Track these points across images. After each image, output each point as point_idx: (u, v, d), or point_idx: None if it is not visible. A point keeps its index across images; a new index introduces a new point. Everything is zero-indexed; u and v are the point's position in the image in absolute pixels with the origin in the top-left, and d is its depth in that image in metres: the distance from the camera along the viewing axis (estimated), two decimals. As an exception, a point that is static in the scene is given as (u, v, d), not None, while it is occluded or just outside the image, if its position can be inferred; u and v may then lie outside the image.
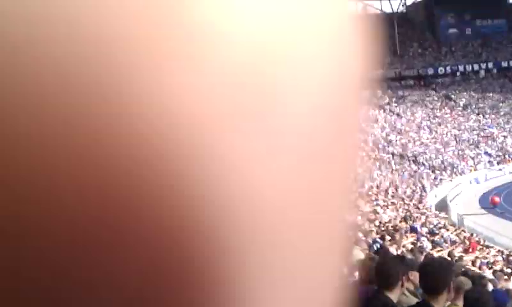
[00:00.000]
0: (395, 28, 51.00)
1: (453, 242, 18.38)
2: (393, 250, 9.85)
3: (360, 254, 6.15)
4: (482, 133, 43.68)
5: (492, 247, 18.86)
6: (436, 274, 3.65)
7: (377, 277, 4.07)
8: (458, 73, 51.76)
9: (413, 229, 17.65)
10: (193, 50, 0.18)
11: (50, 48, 0.17)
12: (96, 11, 0.17)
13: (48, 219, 0.17)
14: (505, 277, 10.78)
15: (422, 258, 9.21)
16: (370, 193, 20.98)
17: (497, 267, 13.60)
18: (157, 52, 0.18)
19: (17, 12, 0.17)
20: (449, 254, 13.36)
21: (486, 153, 40.48)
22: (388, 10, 53.29)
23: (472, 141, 42.39)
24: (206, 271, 0.19)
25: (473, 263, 13.66)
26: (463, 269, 8.15)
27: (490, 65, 52.23)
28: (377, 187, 26.36)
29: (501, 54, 53.21)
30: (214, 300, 0.20)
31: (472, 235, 20.41)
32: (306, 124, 0.21)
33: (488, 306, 4.31)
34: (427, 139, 41.81)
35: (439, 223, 21.42)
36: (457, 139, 42.28)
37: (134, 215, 0.18)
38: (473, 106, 48.13)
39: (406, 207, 23.24)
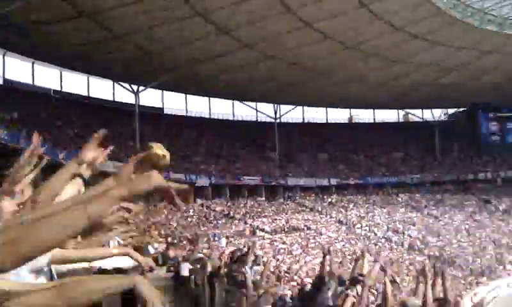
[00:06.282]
0: (436, 136, 54.35)
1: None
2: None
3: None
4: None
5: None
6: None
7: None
8: (499, 179, 53.79)
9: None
10: None
11: None
12: None
13: None
14: None
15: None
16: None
17: None
18: None
19: None
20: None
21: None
22: (429, 118, 57.10)
23: (510, 245, 43.59)
24: None
25: None
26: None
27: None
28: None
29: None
30: None
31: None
32: None
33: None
34: (465, 242, 43.44)
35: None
36: (496, 243, 43.76)
37: None
38: (513, 211, 49.37)
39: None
